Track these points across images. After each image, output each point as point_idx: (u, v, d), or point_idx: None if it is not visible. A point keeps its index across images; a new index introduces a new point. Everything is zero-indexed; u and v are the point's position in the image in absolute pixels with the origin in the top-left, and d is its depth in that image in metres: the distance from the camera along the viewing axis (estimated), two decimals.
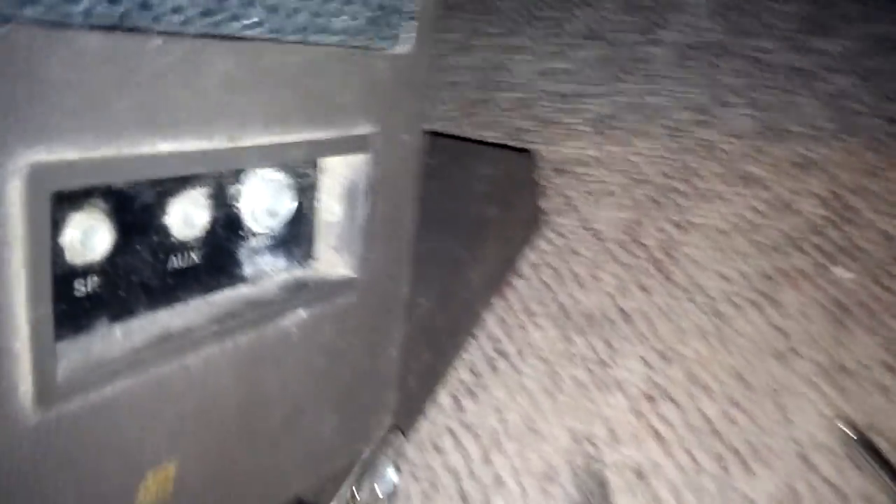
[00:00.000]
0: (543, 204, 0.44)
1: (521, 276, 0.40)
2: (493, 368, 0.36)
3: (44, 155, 0.13)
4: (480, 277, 0.37)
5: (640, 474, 0.31)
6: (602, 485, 0.30)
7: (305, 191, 0.22)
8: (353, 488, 0.28)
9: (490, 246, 0.37)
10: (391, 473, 0.29)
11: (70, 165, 0.13)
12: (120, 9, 0.13)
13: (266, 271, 0.21)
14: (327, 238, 0.23)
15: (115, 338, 0.16)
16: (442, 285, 0.33)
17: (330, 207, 0.22)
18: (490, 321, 0.38)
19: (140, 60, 0.14)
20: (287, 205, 0.21)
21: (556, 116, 0.52)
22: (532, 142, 0.49)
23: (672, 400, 0.33)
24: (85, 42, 0.13)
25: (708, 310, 0.37)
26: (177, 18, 0.14)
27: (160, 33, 0.14)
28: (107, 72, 0.14)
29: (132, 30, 0.14)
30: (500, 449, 0.32)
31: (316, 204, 0.22)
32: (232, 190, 0.19)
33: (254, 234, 0.21)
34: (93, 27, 0.13)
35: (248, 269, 0.21)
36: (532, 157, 0.43)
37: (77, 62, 0.13)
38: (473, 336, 0.37)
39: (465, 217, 0.36)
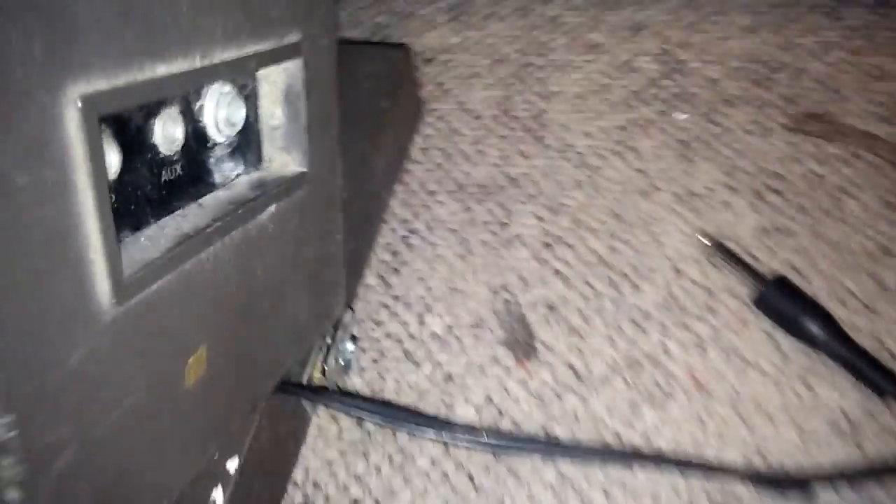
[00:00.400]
0: (422, 93, 0.47)
1: (415, 161, 0.44)
2: (409, 245, 0.39)
3: (87, 86, 0.15)
4: (382, 167, 0.40)
5: (551, 308, 0.36)
6: (522, 321, 0.36)
7: (250, 100, 0.24)
8: (321, 360, 0.31)
9: (386, 137, 0.40)
10: (349, 345, 0.33)
11: (106, 93, 0.15)
12: None
13: (231, 176, 0.23)
14: (275, 141, 0.25)
15: (144, 243, 0.18)
16: (352, 177, 0.36)
17: (273, 113, 0.24)
18: (396, 205, 0.41)
19: None
20: (240, 114, 0.23)
21: (412, 9, 0.54)
22: (395, 36, 0.51)
23: (565, 244, 0.39)
24: None
25: (580, 164, 0.43)
26: None
27: None
28: (119, 11, 0.15)
29: None
30: (430, 311, 0.36)
31: (260, 111, 0.24)
32: (196, 106, 0.21)
33: (217, 144, 0.23)
34: None
35: (218, 176, 0.23)
36: (407, 50, 0.46)
37: (98, 7, 0.15)
38: (384, 221, 0.40)
39: (360, 113, 0.38)
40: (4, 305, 0.14)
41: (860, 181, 0.40)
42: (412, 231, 0.40)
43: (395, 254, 0.39)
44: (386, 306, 0.37)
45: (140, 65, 0.16)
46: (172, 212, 0.20)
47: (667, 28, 0.51)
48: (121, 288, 0.16)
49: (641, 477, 0.30)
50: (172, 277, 0.18)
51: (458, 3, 0.54)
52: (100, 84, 0.15)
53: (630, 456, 0.31)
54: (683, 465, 0.30)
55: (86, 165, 0.15)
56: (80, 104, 0.14)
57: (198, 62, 0.19)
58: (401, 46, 0.45)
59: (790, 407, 0.32)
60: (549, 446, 0.31)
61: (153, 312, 0.18)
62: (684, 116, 0.45)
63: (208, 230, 0.20)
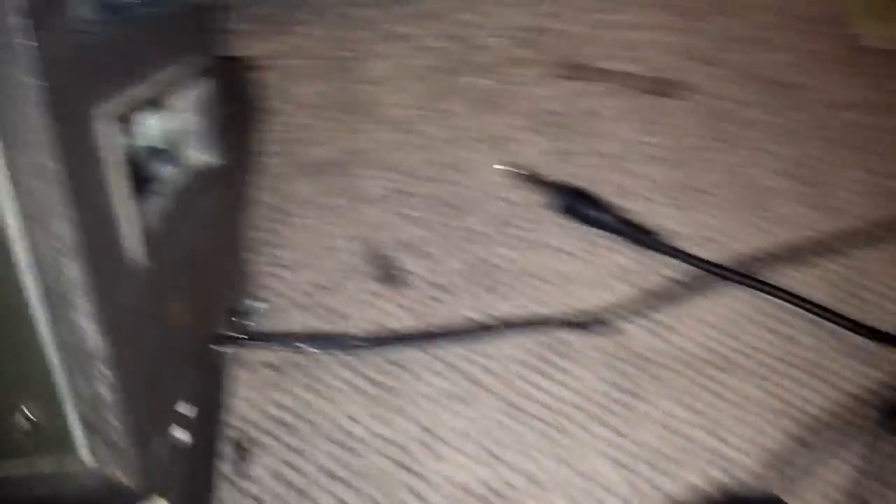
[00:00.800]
0: (261, 94, 0.54)
1: (266, 153, 0.51)
2: (279, 221, 0.47)
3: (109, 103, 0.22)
4: (238, 162, 0.47)
5: (406, 244, 0.45)
6: (386, 259, 0.44)
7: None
8: (233, 314, 0.38)
9: (234, 137, 0.47)
10: (255, 302, 0.40)
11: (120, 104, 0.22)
12: None
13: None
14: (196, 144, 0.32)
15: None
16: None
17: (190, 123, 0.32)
18: (258, 192, 0.48)
19: None
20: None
21: (236, 27, 0.61)
22: (226, 50, 0.58)
23: (405, 193, 0.48)
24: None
25: (402, 130, 0.52)
26: None
27: None
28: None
29: None
30: (310, 268, 0.44)
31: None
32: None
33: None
34: None
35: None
36: (239, 60, 0.52)
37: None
38: (251, 206, 0.47)
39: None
40: None
41: (620, 106, 0.52)
42: (279, 209, 0.47)
43: (269, 231, 0.46)
44: (274, 274, 0.44)
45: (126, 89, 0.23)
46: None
47: (453, 12, 0.61)
48: (151, 246, 0.23)
49: (500, 343, 0.40)
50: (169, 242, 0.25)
51: (271, 14, 0.62)
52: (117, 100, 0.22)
53: (488, 328, 0.41)
54: (522, 325, 0.40)
55: (116, 161, 0.22)
56: (110, 115, 0.22)
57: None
58: (234, 58, 0.52)
59: (589, 272, 0.43)
60: (427, 337, 0.40)
61: (166, 265, 0.25)
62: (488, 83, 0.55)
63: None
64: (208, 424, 0.36)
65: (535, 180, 0.47)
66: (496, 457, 0.37)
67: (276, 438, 0.38)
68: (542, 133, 0.50)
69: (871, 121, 0.51)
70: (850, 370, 0.39)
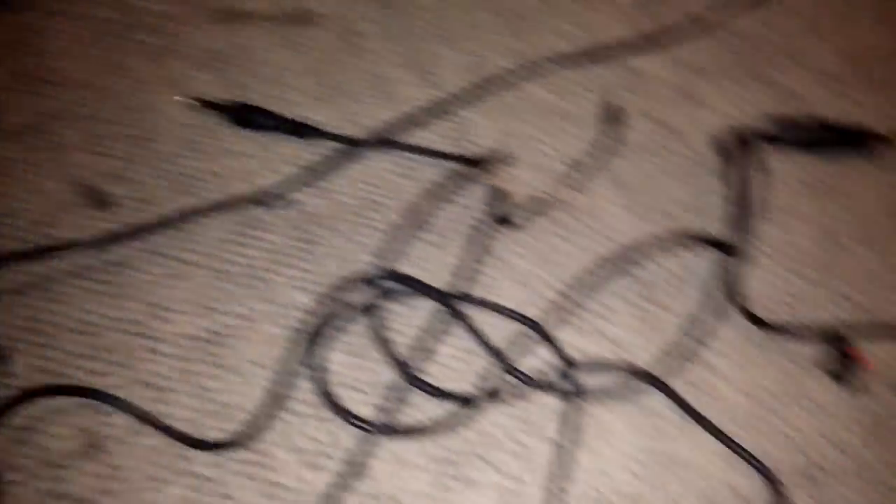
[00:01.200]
0: None
1: None
2: None
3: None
4: None
5: None
6: None
7: None
8: None
9: None
10: None
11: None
12: None
13: None
14: None
15: None
16: None
17: None
18: None
19: None
20: None
21: None
22: None
23: None
24: None
25: (88, 84, 0.59)
26: None
27: None
28: None
29: None
30: None
31: None
32: None
33: None
34: None
35: None
36: None
37: None
38: None
39: None
40: None
41: (269, 38, 0.63)
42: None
43: None
44: None
45: None
46: None
47: None
48: None
49: (204, 230, 0.50)
50: None
51: None
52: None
53: (188, 216, 0.51)
54: (218, 209, 0.51)
55: None
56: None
57: None
58: None
59: (263, 163, 0.54)
60: (138, 232, 0.49)
61: None
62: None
63: None
64: None
65: (208, 104, 0.57)
66: (212, 308, 0.48)
67: (27, 341, 0.46)
68: (214, 72, 0.60)
69: None
70: None
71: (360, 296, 0.48)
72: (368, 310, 0.48)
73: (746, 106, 0.61)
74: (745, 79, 0.64)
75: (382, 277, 0.47)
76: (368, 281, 0.48)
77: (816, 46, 0.67)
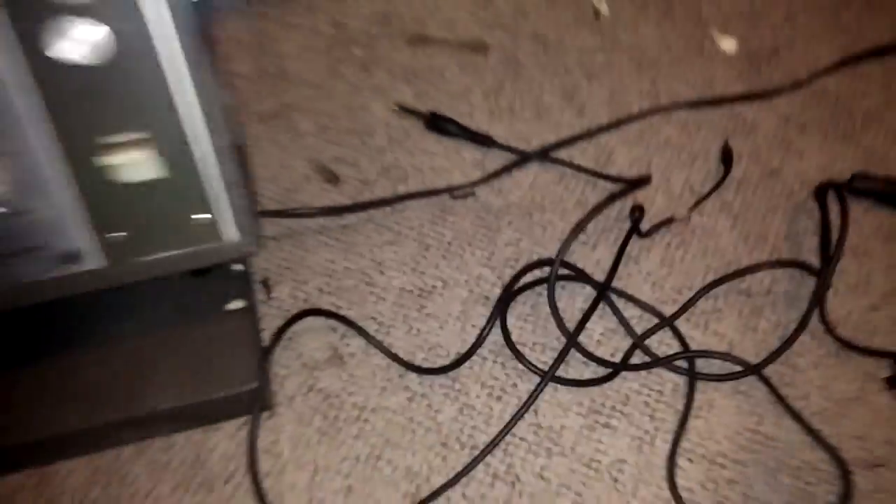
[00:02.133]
0: None
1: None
2: (252, 150, 0.67)
3: None
4: None
5: (337, 159, 0.67)
6: (325, 167, 0.66)
7: None
8: None
9: None
10: None
11: None
12: None
13: None
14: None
15: None
16: None
17: None
18: None
19: None
20: None
21: None
22: None
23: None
24: None
25: (317, 85, 0.72)
26: None
27: None
28: None
29: None
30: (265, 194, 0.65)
31: None
32: None
33: None
34: None
35: None
36: None
37: None
38: None
39: None
40: None
41: (454, 61, 0.76)
42: (247, 146, 0.67)
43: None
44: (257, 188, 0.64)
45: None
46: None
47: (328, 4, 0.82)
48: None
49: (411, 208, 0.64)
50: None
51: None
52: None
53: (401, 198, 0.64)
54: (422, 195, 0.64)
55: None
56: None
57: None
58: None
59: (452, 163, 0.68)
60: (366, 206, 0.63)
61: None
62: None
63: None
64: None
65: (408, 111, 0.70)
66: (420, 271, 0.62)
67: (285, 277, 0.60)
68: (409, 83, 0.73)
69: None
70: None
71: (534, 275, 0.61)
72: (544, 285, 0.61)
73: (837, 159, 0.73)
74: (836, 135, 0.75)
75: (555, 264, 0.60)
76: (543, 264, 0.61)
77: None
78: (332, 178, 0.66)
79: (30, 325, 0.50)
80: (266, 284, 0.59)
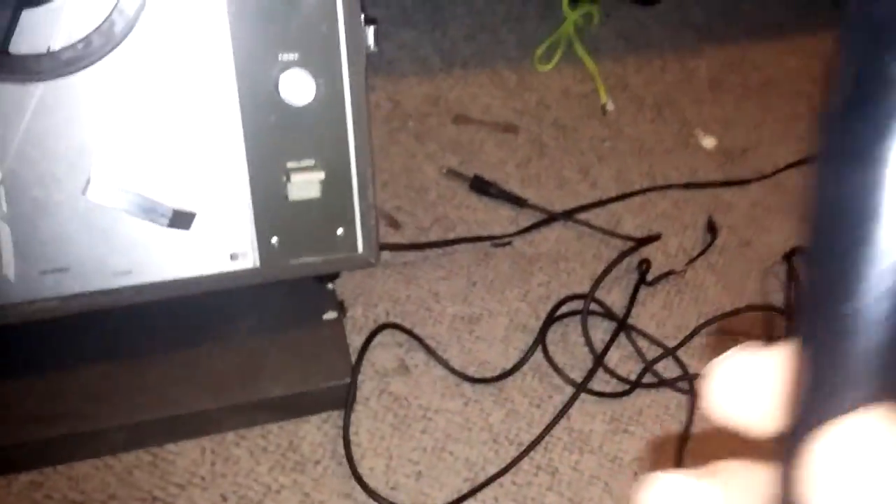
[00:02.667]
0: None
1: None
2: None
3: None
4: None
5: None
6: (387, 216, 0.77)
7: None
8: None
9: None
10: None
11: None
12: None
13: None
14: None
15: None
16: None
17: None
18: None
19: None
20: None
21: None
22: None
23: None
24: None
25: (378, 149, 0.85)
26: None
27: None
28: None
29: None
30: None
31: None
32: None
33: None
34: None
35: None
36: None
37: None
38: None
39: None
40: None
41: (491, 139, 0.90)
42: None
43: None
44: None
45: None
46: None
47: (385, 86, 0.95)
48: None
49: (460, 250, 0.75)
50: None
51: None
52: None
53: (447, 242, 0.75)
54: (472, 241, 0.76)
55: None
56: None
57: None
58: None
59: (490, 216, 0.80)
60: (427, 246, 0.74)
61: None
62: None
63: None
64: None
65: (455, 173, 0.83)
66: (469, 302, 0.72)
67: (358, 300, 0.70)
68: (455, 153, 0.86)
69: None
70: None
71: (567, 308, 0.73)
72: (571, 317, 0.72)
73: (796, 236, 0.88)
74: (795, 217, 0.91)
75: (587, 300, 0.71)
76: (577, 297, 0.73)
77: None
78: (394, 224, 0.77)
79: (158, 319, 0.59)
80: (342, 305, 0.69)
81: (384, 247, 0.74)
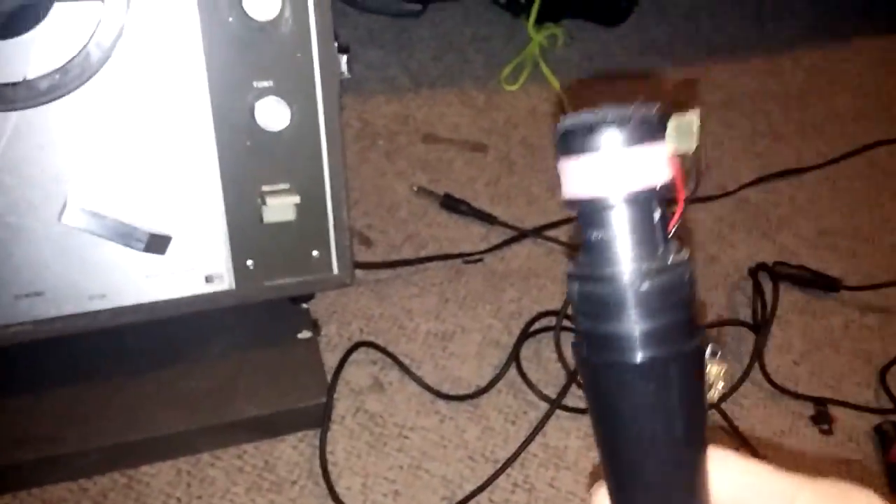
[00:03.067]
0: None
1: None
2: None
3: None
4: None
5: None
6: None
7: None
8: None
9: None
10: None
11: None
12: None
13: None
14: None
15: None
16: None
17: None
18: None
19: None
20: None
21: None
22: None
23: None
24: None
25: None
26: None
27: None
28: None
29: None
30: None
31: None
32: None
33: None
34: None
35: None
36: None
37: None
38: None
39: None
40: None
41: (459, 157, 0.91)
42: None
43: None
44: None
45: None
46: None
47: (354, 105, 0.96)
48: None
49: (432, 267, 0.76)
50: None
51: None
52: None
53: (414, 261, 0.77)
54: (439, 258, 0.77)
55: None
56: None
57: None
58: None
59: (459, 233, 0.81)
60: (404, 263, 0.75)
61: None
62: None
63: None
64: None
65: (425, 191, 0.84)
66: (441, 319, 0.74)
67: (332, 317, 0.70)
68: (425, 171, 0.88)
69: None
70: None
71: (540, 325, 0.74)
72: (545, 333, 0.74)
73: (760, 251, 0.91)
74: (758, 233, 0.94)
75: (559, 316, 0.73)
76: (550, 314, 0.74)
77: (803, 221, 0.98)
78: (366, 242, 0.78)
79: (132, 340, 0.59)
80: (316, 324, 0.70)
81: (356, 265, 0.75)
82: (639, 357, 0.24)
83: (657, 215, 0.25)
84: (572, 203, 0.25)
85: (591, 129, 0.23)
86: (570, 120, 0.23)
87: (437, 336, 0.72)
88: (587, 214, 0.24)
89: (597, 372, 0.25)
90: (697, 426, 0.25)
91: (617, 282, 0.24)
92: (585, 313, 0.25)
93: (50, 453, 0.53)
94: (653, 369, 0.24)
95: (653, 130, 0.23)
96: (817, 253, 0.95)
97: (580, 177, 0.24)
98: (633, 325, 0.24)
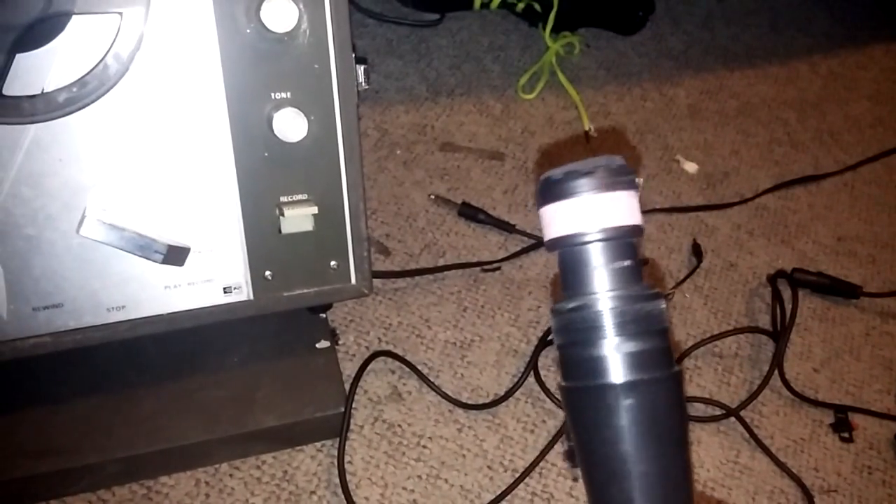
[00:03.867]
0: None
1: None
2: None
3: None
4: None
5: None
6: (380, 245, 0.77)
7: None
8: None
9: None
10: None
11: None
12: None
13: None
14: None
15: None
16: None
17: None
18: None
19: None
20: None
21: None
22: None
23: None
24: None
25: (370, 178, 0.84)
26: None
27: None
28: None
29: None
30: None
31: None
32: None
33: None
34: None
35: None
36: None
37: None
38: None
39: None
40: None
41: (476, 165, 0.90)
42: None
43: None
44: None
45: None
46: None
47: (373, 114, 0.95)
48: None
49: (449, 277, 0.75)
50: None
51: None
52: None
53: (437, 268, 0.75)
54: (456, 267, 0.76)
55: None
56: None
57: None
58: None
59: (478, 242, 0.79)
60: (418, 272, 0.74)
61: None
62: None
63: None
64: None
65: (443, 199, 0.83)
66: (459, 327, 0.72)
67: (349, 327, 0.69)
68: (443, 180, 0.86)
69: None
70: None
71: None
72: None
73: (779, 258, 0.89)
74: (776, 240, 0.91)
75: None
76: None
77: (822, 228, 0.96)
78: (384, 251, 0.77)
79: (151, 352, 0.58)
80: (334, 333, 0.68)
81: (375, 274, 0.73)
82: (619, 379, 0.27)
83: (630, 253, 0.30)
84: (553, 244, 0.31)
85: (568, 179, 0.30)
86: (551, 173, 0.30)
87: (456, 345, 0.71)
88: (570, 252, 0.31)
89: (575, 395, 0.28)
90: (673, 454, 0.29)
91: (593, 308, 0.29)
92: (566, 343, 0.29)
93: (69, 465, 0.52)
94: (632, 391, 0.27)
95: (623, 179, 0.30)
96: (836, 259, 0.92)
97: (562, 218, 0.31)
98: (612, 350, 0.28)
